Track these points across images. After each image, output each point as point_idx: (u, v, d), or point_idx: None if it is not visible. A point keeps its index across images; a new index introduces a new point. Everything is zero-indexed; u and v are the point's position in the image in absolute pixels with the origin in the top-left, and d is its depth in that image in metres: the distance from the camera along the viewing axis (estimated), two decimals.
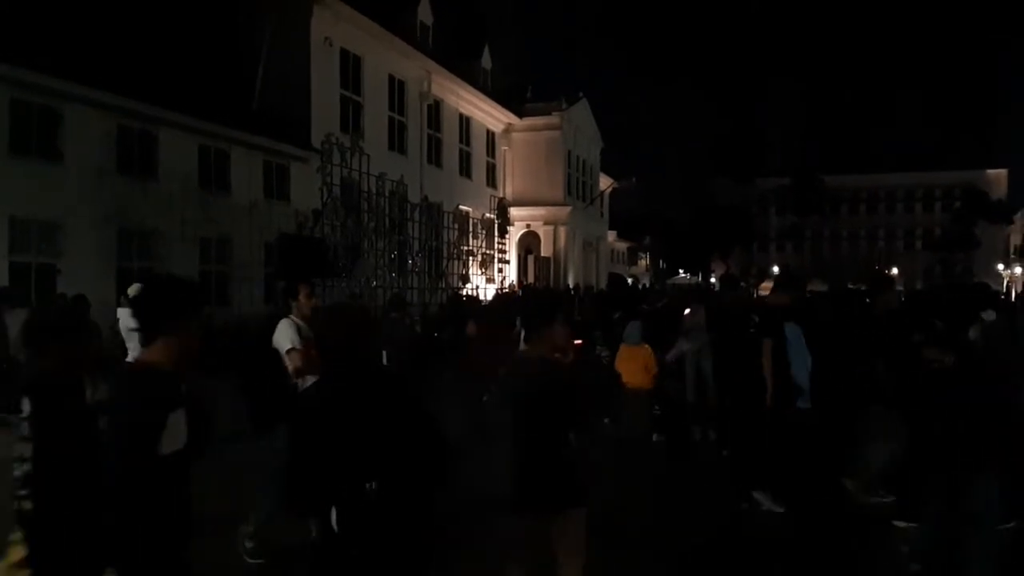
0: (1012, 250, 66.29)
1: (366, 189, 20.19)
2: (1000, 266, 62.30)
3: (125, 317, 9.05)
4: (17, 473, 3.04)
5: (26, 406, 3.00)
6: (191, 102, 17.17)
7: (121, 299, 10.33)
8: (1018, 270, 62.53)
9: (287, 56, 20.49)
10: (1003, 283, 55.62)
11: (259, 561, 5.18)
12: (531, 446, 3.68)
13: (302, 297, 5.60)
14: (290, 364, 5.26)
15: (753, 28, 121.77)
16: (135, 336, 9.37)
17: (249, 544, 5.24)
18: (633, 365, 8.39)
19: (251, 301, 17.87)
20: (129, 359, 8.93)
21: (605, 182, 42.64)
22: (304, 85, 20.86)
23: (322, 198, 18.56)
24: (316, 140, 19.82)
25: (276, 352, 5.38)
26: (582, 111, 38.65)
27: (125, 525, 2.41)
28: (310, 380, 4.93)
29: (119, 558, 2.44)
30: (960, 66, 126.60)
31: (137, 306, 2.72)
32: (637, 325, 8.72)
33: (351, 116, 23.07)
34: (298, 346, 5.23)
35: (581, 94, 38.61)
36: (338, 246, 18.70)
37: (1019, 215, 64.85)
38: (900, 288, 38.39)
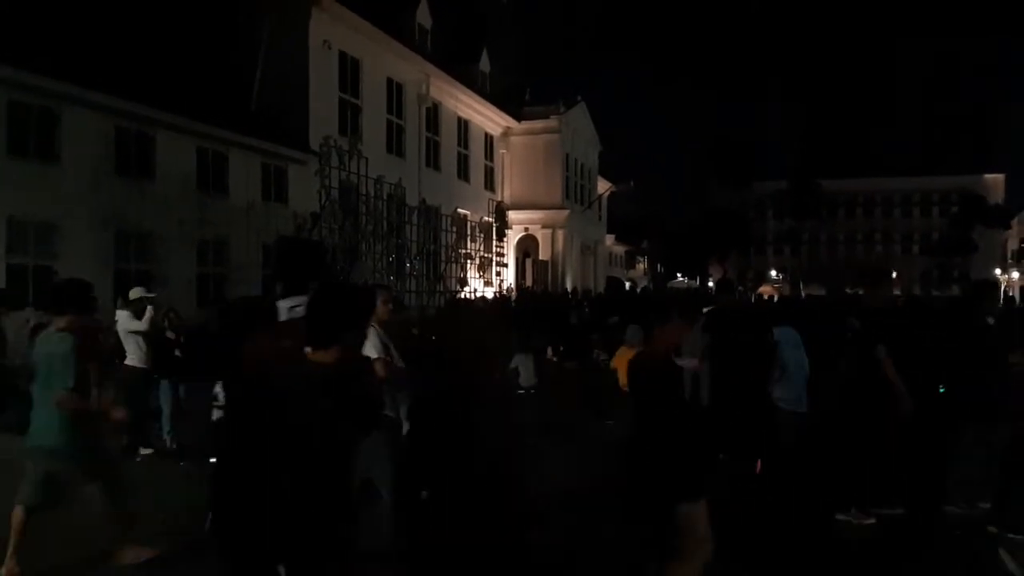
0: (1009, 255, 66.35)
1: (364, 192, 20.21)
2: (997, 271, 62.36)
3: (124, 319, 9.03)
4: (214, 460, 3.24)
5: (220, 394, 3.15)
6: (189, 104, 17.16)
7: (119, 301, 10.31)
8: (1015, 275, 62.63)
9: (285, 58, 20.49)
10: (1000, 287, 55.63)
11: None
12: (650, 439, 3.89)
13: (380, 303, 5.54)
14: (377, 372, 5.22)
15: (751, 32, 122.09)
16: (132, 339, 9.29)
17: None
18: None
19: None
20: (128, 361, 8.95)
21: (603, 186, 42.66)
22: (302, 87, 20.85)
23: (320, 201, 18.57)
24: (314, 143, 19.82)
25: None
26: (580, 114, 38.66)
27: (305, 514, 2.60)
28: None
29: (296, 544, 2.62)
30: (959, 71, 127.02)
31: (318, 313, 2.83)
32: (638, 328, 8.92)
33: (349, 119, 23.07)
34: (382, 354, 5.21)
35: (579, 97, 38.62)
36: (336, 249, 18.71)
37: (1016, 220, 64.88)
38: (898, 292, 38.20)
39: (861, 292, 36.26)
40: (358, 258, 19.87)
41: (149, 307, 8.98)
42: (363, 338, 2.83)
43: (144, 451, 8.68)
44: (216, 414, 3.26)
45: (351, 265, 19.28)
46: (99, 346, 10.54)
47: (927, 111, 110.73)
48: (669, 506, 3.90)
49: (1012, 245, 66.31)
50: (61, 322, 5.01)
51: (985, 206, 60.23)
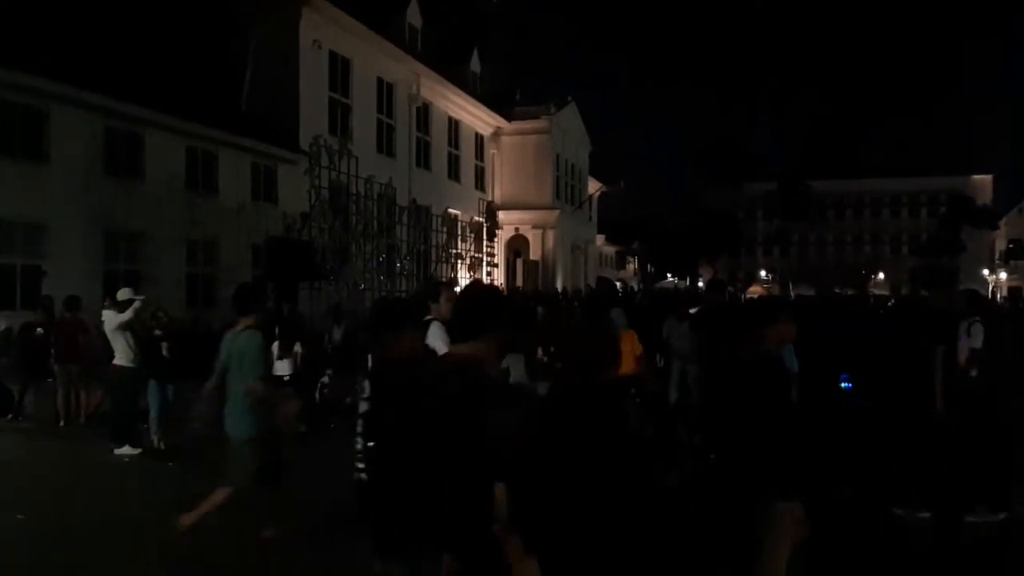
0: (997, 255, 66.70)
1: (354, 192, 20.18)
2: (985, 271, 62.72)
3: (110, 319, 9.00)
4: (358, 447, 3.48)
5: (366, 388, 3.44)
6: (179, 104, 17.10)
7: (106, 301, 10.28)
8: (1003, 275, 63.01)
9: (276, 58, 20.45)
10: (988, 288, 56.02)
11: None
12: (753, 436, 4.01)
13: (443, 299, 5.51)
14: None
15: (750, 32, 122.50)
16: (120, 338, 9.27)
17: None
18: (622, 347, 8.68)
19: None
20: (117, 361, 8.92)
21: (593, 186, 42.71)
22: (292, 87, 20.82)
23: (310, 200, 18.54)
24: (304, 142, 19.79)
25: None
26: (570, 115, 38.71)
27: (463, 508, 2.65)
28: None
29: (457, 540, 2.69)
30: (949, 72, 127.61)
31: (460, 309, 3.03)
32: (621, 311, 9.11)
33: (339, 119, 23.04)
34: (449, 348, 5.20)
35: (570, 98, 38.68)
36: (326, 249, 18.68)
37: (1004, 220, 65.24)
38: (886, 293, 38.26)
39: (851, 292, 36.40)
40: (348, 258, 19.85)
41: (137, 301, 8.98)
42: (508, 333, 2.99)
43: (132, 451, 8.66)
44: (363, 407, 3.49)
45: (341, 266, 19.26)
46: (81, 346, 10.54)
47: (920, 112, 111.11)
48: (768, 503, 3.99)
49: (1000, 246, 66.69)
50: (247, 320, 5.50)
51: (973, 207, 60.47)
